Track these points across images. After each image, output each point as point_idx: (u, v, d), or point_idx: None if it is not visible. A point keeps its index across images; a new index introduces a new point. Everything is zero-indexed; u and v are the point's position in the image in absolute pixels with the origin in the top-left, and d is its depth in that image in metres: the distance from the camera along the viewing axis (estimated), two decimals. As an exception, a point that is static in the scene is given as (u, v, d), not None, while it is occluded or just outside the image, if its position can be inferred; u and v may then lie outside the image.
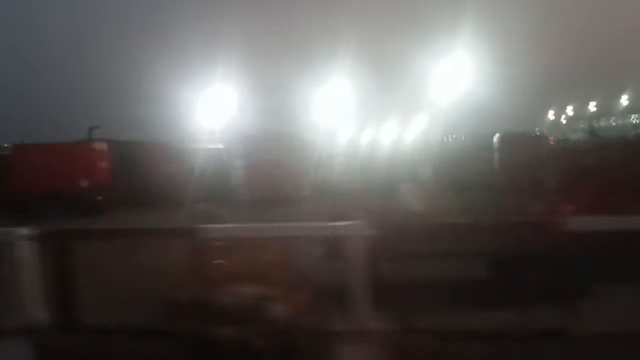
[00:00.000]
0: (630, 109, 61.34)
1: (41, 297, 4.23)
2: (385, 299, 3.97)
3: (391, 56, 50.33)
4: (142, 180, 19.07)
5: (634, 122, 59.26)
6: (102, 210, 18.03)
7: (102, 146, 19.86)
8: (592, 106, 65.09)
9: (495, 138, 20.98)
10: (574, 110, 66.63)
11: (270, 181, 18.45)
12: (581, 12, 63.05)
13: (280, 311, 4.01)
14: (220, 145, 22.68)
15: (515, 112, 59.57)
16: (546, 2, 62.51)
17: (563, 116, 67.77)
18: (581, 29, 59.04)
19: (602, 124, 60.50)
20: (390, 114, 47.98)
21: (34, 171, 18.09)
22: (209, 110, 31.77)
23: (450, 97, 40.32)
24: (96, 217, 17.19)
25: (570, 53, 59.52)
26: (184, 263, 4.60)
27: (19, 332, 4.09)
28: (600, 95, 62.97)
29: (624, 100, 62.18)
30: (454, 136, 53.25)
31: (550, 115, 68.33)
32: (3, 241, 4.27)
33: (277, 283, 4.21)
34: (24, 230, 4.26)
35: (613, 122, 61.07)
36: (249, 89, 41.50)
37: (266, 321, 3.96)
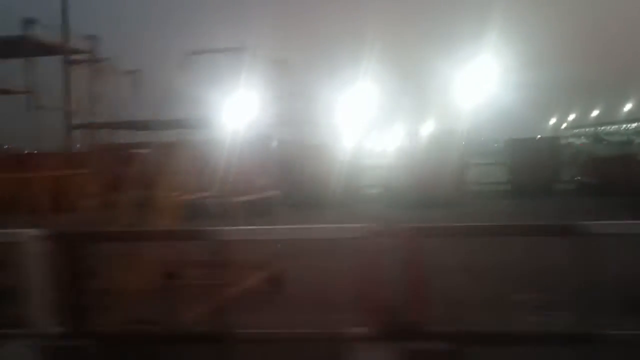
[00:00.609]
0: (631, 118, 64.43)
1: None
2: None
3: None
4: (296, 180, 18.65)
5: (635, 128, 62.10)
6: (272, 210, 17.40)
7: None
8: (594, 114, 68.21)
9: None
10: (576, 118, 69.63)
11: (431, 181, 18.24)
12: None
13: None
14: (350, 144, 22.46)
15: (517, 118, 61.78)
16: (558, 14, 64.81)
17: (565, 124, 70.62)
18: (589, 39, 61.60)
19: (604, 129, 63.16)
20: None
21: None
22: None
23: (474, 102, 41.57)
24: (269, 217, 16.56)
25: (577, 65, 62.10)
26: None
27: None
28: (604, 104, 66.08)
29: (626, 109, 65.43)
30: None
31: (552, 121, 71.11)
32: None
33: None
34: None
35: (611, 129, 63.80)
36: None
37: None
